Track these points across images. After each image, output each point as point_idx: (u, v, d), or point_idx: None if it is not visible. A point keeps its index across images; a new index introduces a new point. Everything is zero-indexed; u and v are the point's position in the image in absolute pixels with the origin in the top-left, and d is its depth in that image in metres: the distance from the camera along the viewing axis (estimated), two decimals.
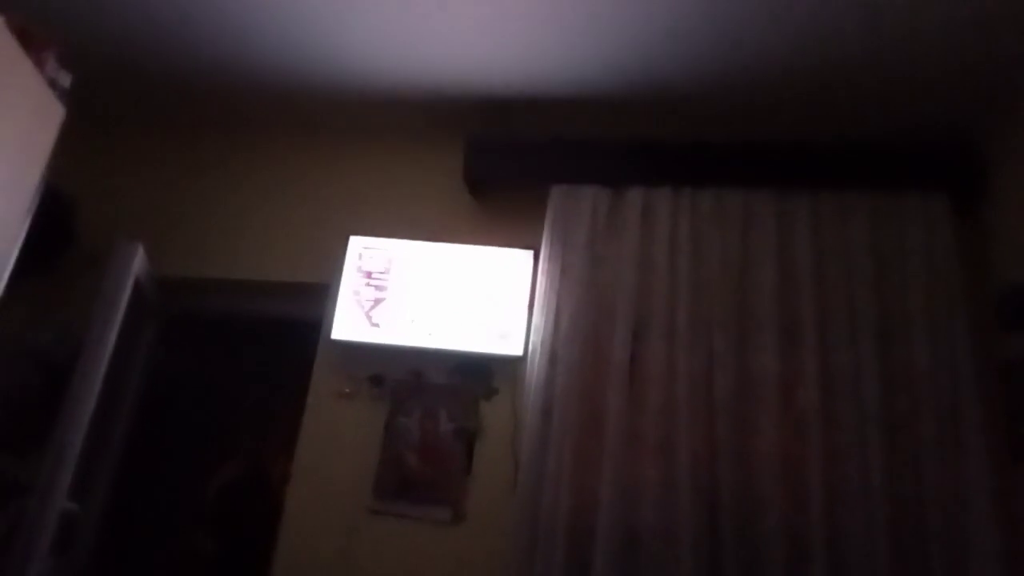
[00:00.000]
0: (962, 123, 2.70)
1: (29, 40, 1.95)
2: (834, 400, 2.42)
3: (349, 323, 2.79)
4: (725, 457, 2.39)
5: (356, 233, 2.91)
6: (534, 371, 2.59)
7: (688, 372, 2.48)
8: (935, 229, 2.56)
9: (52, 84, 2.06)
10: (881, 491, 2.28)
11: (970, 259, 2.54)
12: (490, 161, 2.92)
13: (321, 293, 2.88)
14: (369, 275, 2.85)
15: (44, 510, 2.27)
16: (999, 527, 2.19)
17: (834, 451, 2.36)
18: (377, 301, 2.81)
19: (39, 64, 2.00)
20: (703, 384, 2.48)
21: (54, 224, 2.62)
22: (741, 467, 2.39)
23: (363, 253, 2.88)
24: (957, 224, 2.56)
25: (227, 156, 3.24)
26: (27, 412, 2.74)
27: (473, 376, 2.75)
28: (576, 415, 2.49)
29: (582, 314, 2.62)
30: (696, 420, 2.43)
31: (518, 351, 2.69)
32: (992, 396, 2.37)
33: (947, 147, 2.69)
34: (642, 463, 2.43)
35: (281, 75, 2.87)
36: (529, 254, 2.79)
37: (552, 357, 2.59)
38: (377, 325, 2.78)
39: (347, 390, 2.79)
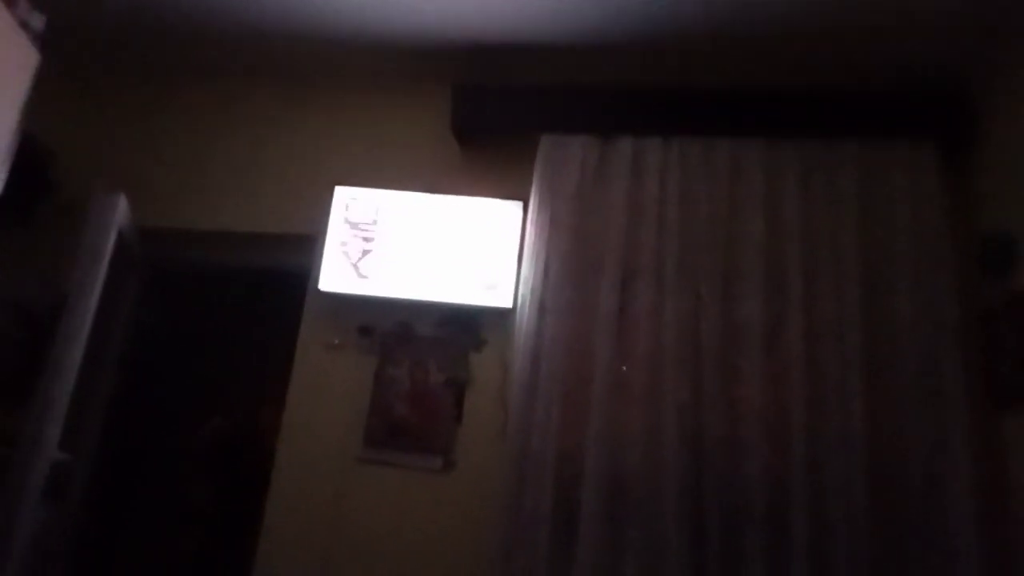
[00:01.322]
0: (951, 71, 2.68)
1: None
2: (817, 348, 2.45)
3: (337, 274, 2.78)
4: (710, 404, 2.43)
5: (342, 183, 2.87)
6: (523, 321, 2.60)
7: (675, 321, 2.51)
8: (922, 177, 2.57)
9: (24, 26, 2.00)
10: (862, 438, 2.32)
11: (957, 207, 2.55)
12: (478, 110, 2.87)
13: (308, 244, 2.86)
14: (356, 226, 2.82)
15: (33, 459, 2.28)
16: (978, 474, 2.24)
17: (816, 398, 2.40)
18: (365, 252, 2.79)
19: (9, 4, 1.93)
20: (689, 333, 2.50)
21: (31, 174, 2.57)
22: (725, 414, 2.43)
23: (350, 204, 2.85)
24: (945, 172, 2.57)
25: (210, 104, 3.17)
26: (10, 365, 2.72)
27: (462, 327, 2.75)
28: (564, 364, 2.52)
29: (570, 264, 2.62)
30: (682, 368, 2.46)
31: (507, 303, 2.69)
32: (974, 344, 2.41)
33: (935, 95, 2.69)
34: (629, 410, 2.46)
35: (265, 21, 2.79)
36: (518, 205, 2.77)
37: (541, 307, 2.60)
38: (365, 276, 2.77)
39: (336, 341, 2.79)
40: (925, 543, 2.24)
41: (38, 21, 2.06)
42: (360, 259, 2.78)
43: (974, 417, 2.31)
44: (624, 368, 2.52)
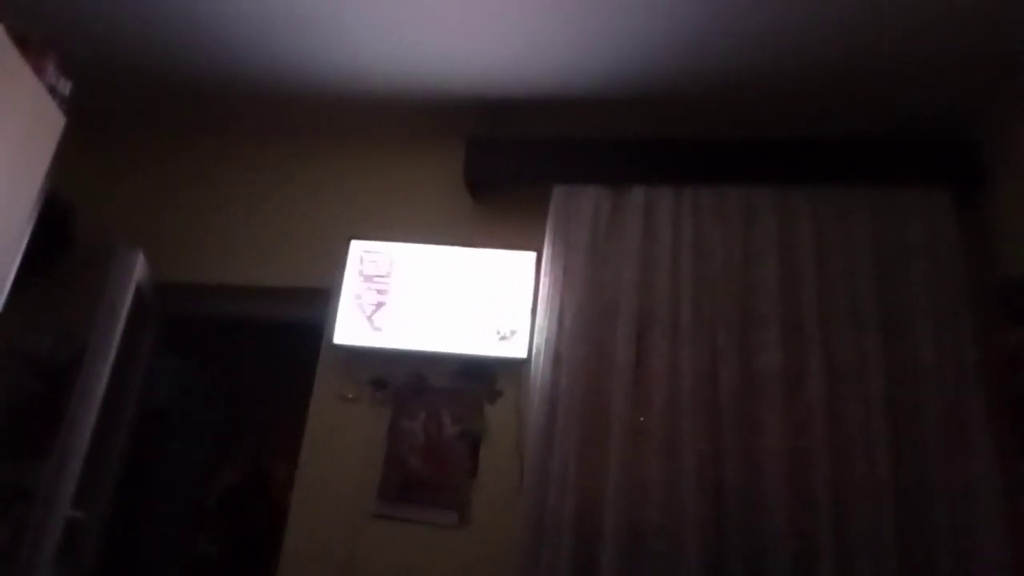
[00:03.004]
0: (963, 117, 2.70)
1: (29, 48, 1.94)
2: (838, 396, 2.42)
3: (351, 327, 2.78)
4: (730, 454, 2.38)
5: (357, 237, 2.90)
6: (538, 372, 2.58)
7: (692, 370, 2.48)
8: (937, 223, 2.56)
9: (52, 92, 2.06)
10: (887, 486, 2.28)
11: (973, 252, 2.54)
12: (490, 162, 2.92)
13: (323, 297, 2.87)
14: (370, 279, 2.84)
15: (48, 517, 2.27)
16: (1005, 520, 2.18)
17: (839, 447, 2.35)
18: (379, 305, 2.80)
19: (39, 72, 1.99)
20: (707, 382, 2.47)
21: (52, 229, 2.61)
22: (746, 464, 2.38)
23: (364, 257, 2.87)
24: (959, 218, 2.57)
25: (226, 160, 3.24)
26: (27, 417, 2.73)
27: (477, 379, 2.74)
28: (580, 415, 2.49)
29: (585, 314, 2.61)
30: (701, 418, 2.43)
31: (522, 353, 2.68)
32: (997, 389, 2.37)
33: (948, 141, 2.70)
34: (647, 462, 2.42)
35: (280, 78, 2.87)
36: (532, 256, 2.78)
37: (556, 358, 2.58)
38: (379, 329, 2.77)
39: (350, 395, 2.78)
40: None
41: (65, 87, 2.11)
42: (374, 312, 2.80)
43: (1000, 463, 2.26)
44: (642, 419, 2.49)
